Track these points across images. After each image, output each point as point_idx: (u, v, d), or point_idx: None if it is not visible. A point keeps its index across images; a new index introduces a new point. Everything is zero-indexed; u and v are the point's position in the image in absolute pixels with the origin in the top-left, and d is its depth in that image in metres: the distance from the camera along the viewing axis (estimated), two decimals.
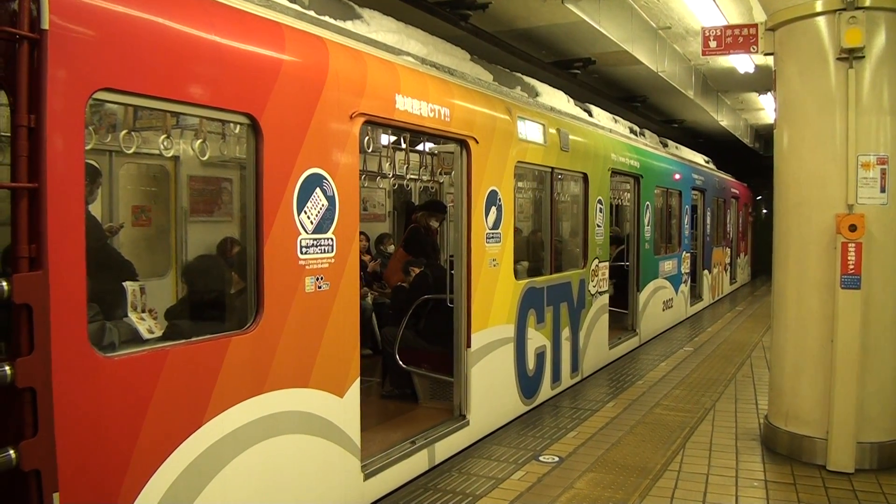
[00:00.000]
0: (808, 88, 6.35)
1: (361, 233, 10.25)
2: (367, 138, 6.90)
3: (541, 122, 8.06)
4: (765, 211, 28.39)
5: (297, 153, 4.58)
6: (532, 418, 7.63)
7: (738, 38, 7.12)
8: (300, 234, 4.59)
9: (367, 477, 5.32)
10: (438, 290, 7.20)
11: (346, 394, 5.06)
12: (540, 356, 8.09)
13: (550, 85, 10.15)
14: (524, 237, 9.76)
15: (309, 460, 4.77)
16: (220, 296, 5.14)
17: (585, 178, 9.47)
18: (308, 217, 4.65)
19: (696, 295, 16.33)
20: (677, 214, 14.67)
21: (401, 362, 7.28)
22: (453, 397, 6.76)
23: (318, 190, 4.74)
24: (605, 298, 10.15)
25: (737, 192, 21.37)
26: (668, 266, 13.68)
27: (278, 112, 4.42)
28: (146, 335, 4.32)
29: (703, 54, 7.58)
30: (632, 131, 13.24)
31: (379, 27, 6.32)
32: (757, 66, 14.16)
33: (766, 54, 6.85)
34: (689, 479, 5.93)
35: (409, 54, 6.43)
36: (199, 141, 5.02)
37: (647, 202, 12.17)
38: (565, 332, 8.75)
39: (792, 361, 6.51)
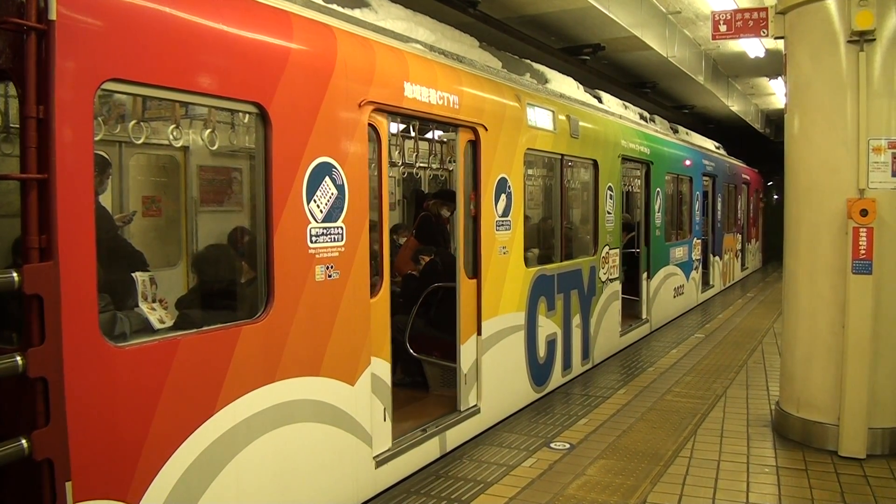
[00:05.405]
0: (819, 72, 6.30)
1: (376, 222, 10.25)
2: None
3: (550, 109, 8.03)
4: (776, 197, 28.23)
5: (305, 142, 4.58)
6: (543, 405, 7.64)
7: (748, 21, 7.07)
8: (310, 222, 4.59)
9: (378, 465, 5.35)
10: (449, 277, 7.20)
11: (357, 382, 5.08)
12: (551, 343, 8.09)
13: (560, 71, 10.12)
14: (534, 224, 9.74)
15: (321, 448, 4.79)
16: (231, 285, 5.15)
17: (595, 164, 9.44)
18: (317, 206, 4.65)
19: (707, 281, 16.28)
20: (688, 201, 14.60)
21: (411, 350, 7.29)
22: None
23: (327, 179, 4.74)
24: (616, 285, 10.13)
25: (748, 177, 21.26)
26: (678, 253, 13.64)
27: (287, 101, 4.41)
28: (157, 325, 4.33)
29: (713, 39, 7.54)
30: (642, 117, 13.18)
31: (387, 15, 6.30)
32: (767, 51, 14.07)
33: (776, 38, 6.81)
34: (701, 465, 5.93)
35: (417, 42, 6.41)
36: (209, 131, 5.03)
37: (658, 189, 12.12)
38: (576, 320, 8.75)
39: (803, 347, 6.49)
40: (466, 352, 6.52)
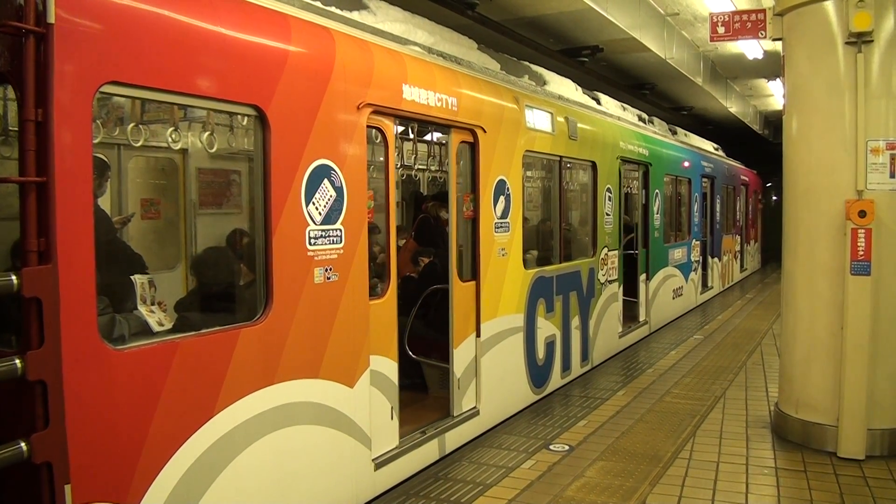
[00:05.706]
0: (817, 73, 6.31)
1: (375, 225, 10.24)
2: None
3: (549, 111, 8.03)
4: (774, 198, 28.28)
5: (304, 144, 4.59)
6: (542, 407, 7.64)
7: (746, 23, 7.08)
8: (308, 225, 4.60)
9: (377, 467, 5.34)
10: (448, 279, 7.19)
11: (356, 384, 5.08)
12: (550, 345, 8.09)
13: (558, 73, 10.12)
14: (533, 226, 9.74)
15: (319, 451, 4.79)
16: (230, 288, 5.15)
17: (594, 166, 9.44)
18: (316, 208, 4.66)
19: (706, 283, 16.28)
20: (687, 202, 14.62)
21: (410, 352, 7.28)
22: None
23: (325, 181, 4.74)
24: (615, 287, 10.13)
25: (746, 179, 21.28)
26: (677, 254, 13.65)
27: (285, 103, 4.42)
28: (156, 328, 4.34)
29: (711, 40, 7.55)
30: (640, 119, 13.19)
31: (385, 17, 6.30)
32: (766, 52, 14.09)
33: (774, 39, 6.82)
34: (700, 466, 5.93)
35: (415, 44, 6.42)
36: (207, 133, 5.03)
37: (657, 190, 12.13)
38: (575, 321, 8.75)
39: (802, 349, 6.49)
40: (460, 356, 6.51)
